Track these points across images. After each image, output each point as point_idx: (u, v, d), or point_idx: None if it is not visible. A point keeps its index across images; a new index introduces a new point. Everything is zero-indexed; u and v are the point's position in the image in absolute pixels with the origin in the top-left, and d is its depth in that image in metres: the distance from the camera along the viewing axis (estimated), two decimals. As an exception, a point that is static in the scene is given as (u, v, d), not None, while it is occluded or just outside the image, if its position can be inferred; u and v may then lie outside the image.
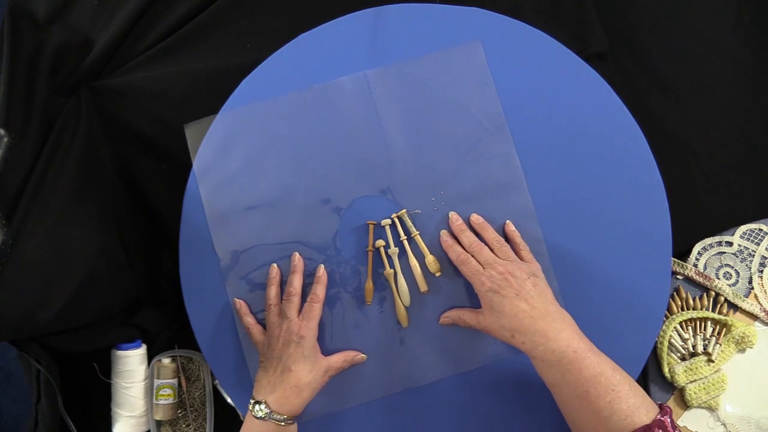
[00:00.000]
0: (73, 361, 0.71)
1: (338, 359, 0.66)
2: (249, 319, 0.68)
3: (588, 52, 0.74)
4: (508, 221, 0.69)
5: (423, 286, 0.68)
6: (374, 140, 0.70)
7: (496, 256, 0.64)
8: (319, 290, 0.67)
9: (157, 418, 0.71)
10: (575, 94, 0.70)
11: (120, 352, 0.70)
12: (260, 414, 0.60)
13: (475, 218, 0.68)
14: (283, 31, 0.73)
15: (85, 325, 0.68)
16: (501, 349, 0.68)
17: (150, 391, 0.71)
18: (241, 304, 0.68)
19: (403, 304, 0.68)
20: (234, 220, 0.69)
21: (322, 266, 0.68)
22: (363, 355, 0.68)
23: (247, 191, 0.70)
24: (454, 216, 0.68)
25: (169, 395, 0.71)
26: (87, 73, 0.73)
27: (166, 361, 0.71)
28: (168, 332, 0.74)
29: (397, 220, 0.69)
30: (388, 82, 0.71)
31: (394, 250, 0.68)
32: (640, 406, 0.55)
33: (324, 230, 0.69)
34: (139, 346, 0.71)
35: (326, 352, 0.67)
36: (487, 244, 0.66)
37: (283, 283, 0.68)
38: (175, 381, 0.72)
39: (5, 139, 0.59)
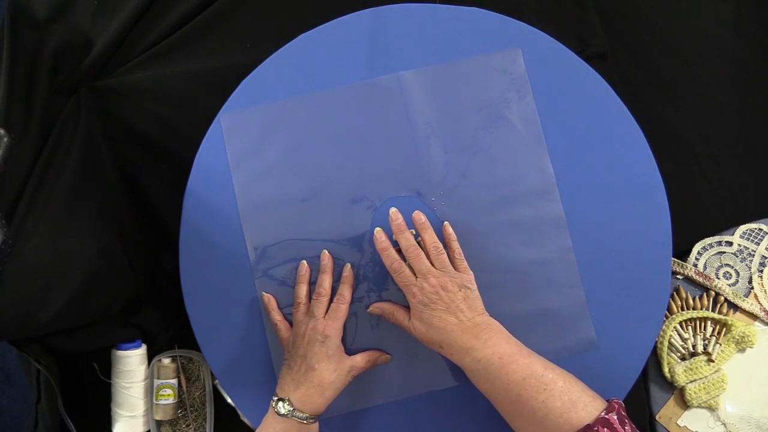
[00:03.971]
0: (73, 361, 0.71)
1: (362, 359, 0.66)
2: (276, 316, 0.68)
3: (588, 52, 0.74)
4: (446, 222, 0.67)
5: None
6: (409, 142, 0.70)
7: (431, 264, 0.63)
8: (346, 291, 0.67)
9: (157, 418, 0.71)
10: (575, 94, 0.70)
11: (120, 352, 0.70)
12: (283, 411, 0.61)
13: (418, 216, 0.66)
14: (283, 31, 0.73)
15: (85, 325, 0.68)
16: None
17: (150, 391, 0.71)
18: (269, 299, 0.69)
19: None
20: (265, 214, 0.70)
21: (349, 266, 0.68)
22: (387, 355, 0.68)
23: (280, 185, 0.70)
24: (394, 214, 0.67)
25: (169, 395, 0.71)
26: (87, 73, 0.73)
27: (166, 361, 0.71)
28: (168, 332, 0.73)
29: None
30: (423, 83, 0.70)
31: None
32: (576, 402, 0.54)
33: (355, 229, 0.69)
34: (139, 346, 0.71)
35: (350, 351, 0.67)
36: (423, 249, 0.64)
37: (312, 282, 0.68)
38: (175, 381, 0.72)
39: (5, 139, 0.59)
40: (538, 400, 0.55)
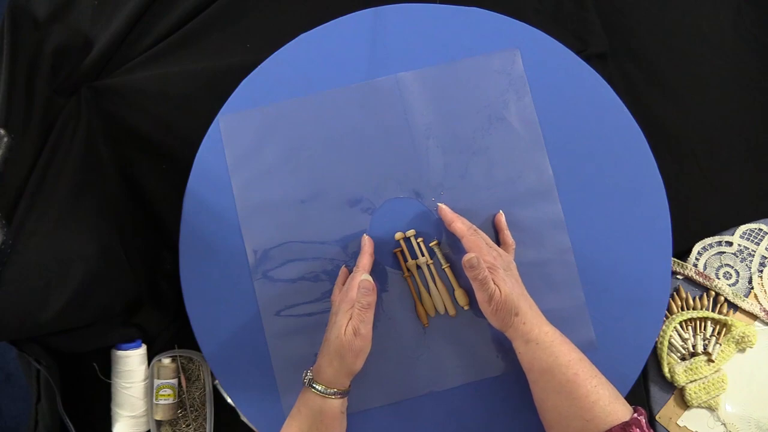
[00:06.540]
0: (73, 361, 0.71)
1: (368, 294, 0.60)
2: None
3: (588, 52, 0.74)
4: (500, 211, 0.68)
5: (452, 310, 0.68)
6: (407, 143, 0.70)
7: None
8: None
9: (157, 418, 0.71)
10: (575, 94, 0.70)
11: (120, 352, 0.70)
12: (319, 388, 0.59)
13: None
14: (283, 31, 0.73)
15: (85, 325, 0.68)
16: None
17: (150, 391, 0.71)
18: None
19: (425, 308, 0.68)
20: (264, 216, 0.70)
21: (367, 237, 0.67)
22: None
23: (278, 187, 0.70)
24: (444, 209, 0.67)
25: (169, 395, 0.71)
26: (87, 73, 0.73)
27: (166, 361, 0.71)
28: (168, 332, 0.73)
29: (426, 250, 0.69)
30: (422, 85, 0.71)
31: (422, 260, 0.68)
32: (618, 396, 0.55)
33: (354, 230, 0.70)
34: (139, 346, 0.71)
35: None
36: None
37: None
38: (175, 381, 0.72)
39: (5, 139, 0.59)
40: (592, 384, 0.54)
